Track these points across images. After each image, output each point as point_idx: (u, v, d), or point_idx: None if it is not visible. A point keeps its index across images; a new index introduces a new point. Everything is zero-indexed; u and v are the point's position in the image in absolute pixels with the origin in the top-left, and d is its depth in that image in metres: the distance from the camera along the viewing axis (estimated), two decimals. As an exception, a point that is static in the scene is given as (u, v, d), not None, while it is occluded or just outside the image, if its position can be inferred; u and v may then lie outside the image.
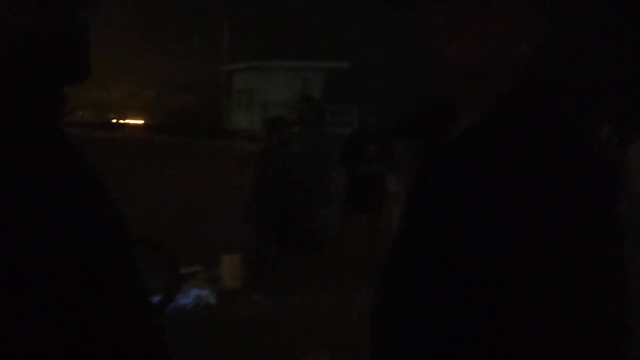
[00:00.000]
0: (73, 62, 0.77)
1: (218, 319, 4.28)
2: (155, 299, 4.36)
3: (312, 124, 4.80)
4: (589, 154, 0.76)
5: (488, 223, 0.74)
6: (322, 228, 4.89)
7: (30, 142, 0.70)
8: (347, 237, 5.65)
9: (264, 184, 4.81)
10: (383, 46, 23.66)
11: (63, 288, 0.69)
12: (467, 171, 0.79)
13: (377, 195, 5.33)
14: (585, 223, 0.70)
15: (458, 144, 0.85)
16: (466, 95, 0.85)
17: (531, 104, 0.80)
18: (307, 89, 20.13)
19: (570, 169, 0.72)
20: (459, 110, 0.87)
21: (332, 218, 5.28)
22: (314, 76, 21.55)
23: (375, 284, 0.97)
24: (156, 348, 0.91)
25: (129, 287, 0.84)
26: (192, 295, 4.64)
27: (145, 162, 18.91)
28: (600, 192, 0.74)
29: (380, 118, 5.71)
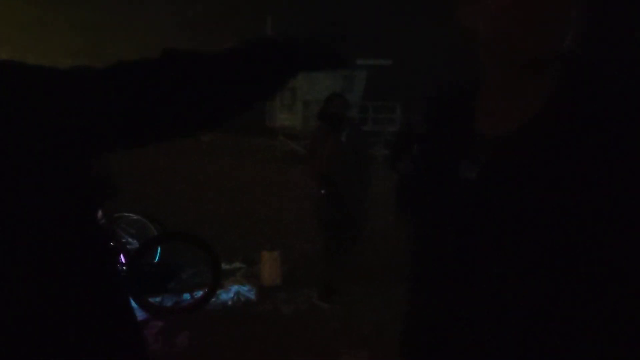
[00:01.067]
0: None
1: (257, 315, 4.34)
2: (198, 294, 4.47)
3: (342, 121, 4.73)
4: None
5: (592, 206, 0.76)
6: (359, 224, 4.85)
7: None
8: (394, 237, 5.60)
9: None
10: (426, 43, 23.39)
11: None
12: (549, 158, 0.80)
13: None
14: None
15: (530, 132, 0.84)
16: (518, 83, 0.86)
17: (595, 88, 0.81)
18: (350, 87, 20.05)
19: None
20: (514, 100, 0.87)
21: (371, 216, 5.25)
22: (356, 74, 21.42)
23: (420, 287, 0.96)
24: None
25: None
26: (232, 291, 4.71)
27: (190, 160, 19.27)
28: None
29: (424, 115, 5.58)
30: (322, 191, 4.62)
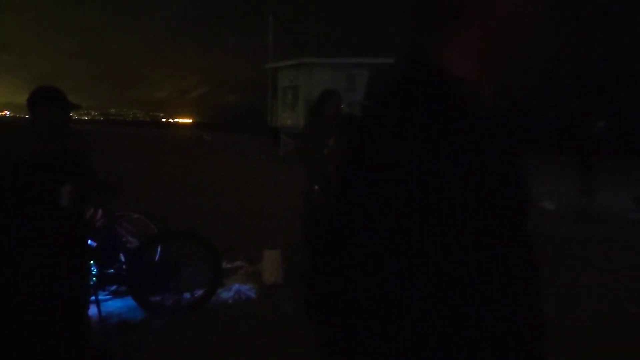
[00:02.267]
0: None
1: (259, 313, 4.32)
2: (199, 292, 4.45)
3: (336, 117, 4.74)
4: None
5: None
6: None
7: None
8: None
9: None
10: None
11: None
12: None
13: None
14: None
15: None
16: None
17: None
18: (352, 86, 20.03)
19: None
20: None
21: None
22: (358, 73, 21.38)
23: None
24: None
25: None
26: (233, 290, 4.70)
27: (192, 159, 19.30)
28: None
29: None
30: (316, 187, 4.62)
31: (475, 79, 0.89)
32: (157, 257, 4.77)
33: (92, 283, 4.09)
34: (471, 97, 0.86)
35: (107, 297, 4.50)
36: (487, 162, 0.83)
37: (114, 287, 4.56)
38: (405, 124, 0.83)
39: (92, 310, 3.78)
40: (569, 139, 9.67)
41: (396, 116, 0.84)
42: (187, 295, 4.46)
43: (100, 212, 4.44)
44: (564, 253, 6.50)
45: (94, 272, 4.25)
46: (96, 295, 4.00)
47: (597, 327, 4.20)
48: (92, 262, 4.14)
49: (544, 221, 8.38)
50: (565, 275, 5.55)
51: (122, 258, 4.47)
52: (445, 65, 0.88)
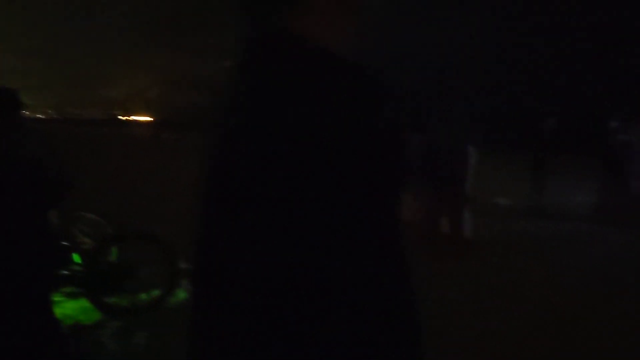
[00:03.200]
0: None
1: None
2: (154, 293, 4.42)
3: None
4: None
5: None
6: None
7: None
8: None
9: None
10: (416, 43, 23.78)
11: None
12: None
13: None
14: None
15: None
16: None
17: None
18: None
19: None
20: None
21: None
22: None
23: None
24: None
25: None
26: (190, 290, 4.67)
27: (150, 158, 18.98)
28: None
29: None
30: None
31: (336, 46, 0.90)
32: (112, 258, 4.71)
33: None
34: (338, 65, 0.85)
35: (62, 298, 4.43)
36: (367, 131, 0.83)
37: (68, 289, 4.49)
38: (283, 98, 0.84)
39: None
40: (521, 136, 9.95)
41: (273, 91, 0.85)
42: (143, 296, 4.43)
43: (54, 212, 4.36)
44: (517, 248, 6.71)
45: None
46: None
47: (550, 323, 4.36)
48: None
49: (498, 217, 8.61)
50: (516, 270, 5.73)
51: (77, 259, 4.40)
52: (308, 37, 0.88)
